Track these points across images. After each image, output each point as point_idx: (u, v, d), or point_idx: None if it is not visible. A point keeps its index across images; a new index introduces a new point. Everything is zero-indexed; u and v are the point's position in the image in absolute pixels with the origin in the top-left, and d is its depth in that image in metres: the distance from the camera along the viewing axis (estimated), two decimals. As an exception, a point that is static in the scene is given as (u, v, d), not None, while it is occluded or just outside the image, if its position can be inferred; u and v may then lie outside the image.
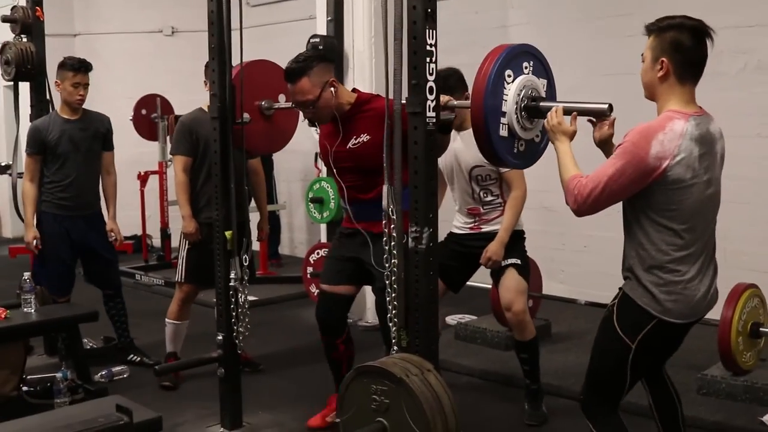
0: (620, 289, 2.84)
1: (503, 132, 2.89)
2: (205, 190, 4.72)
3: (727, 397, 4.24)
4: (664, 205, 2.64)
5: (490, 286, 5.01)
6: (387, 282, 2.99)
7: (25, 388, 4.43)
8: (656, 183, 2.61)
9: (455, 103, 3.20)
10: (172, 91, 8.53)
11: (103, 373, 4.88)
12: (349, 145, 3.64)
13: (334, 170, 3.75)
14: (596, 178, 2.65)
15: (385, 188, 2.98)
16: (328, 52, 5.99)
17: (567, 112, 2.86)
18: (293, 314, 6.64)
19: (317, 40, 6.06)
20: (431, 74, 2.80)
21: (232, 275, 3.85)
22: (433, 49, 2.80)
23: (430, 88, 2.80)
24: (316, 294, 6.15)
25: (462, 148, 4.07)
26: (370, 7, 5.98)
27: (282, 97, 3.98)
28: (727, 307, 4.13)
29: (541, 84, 3.02)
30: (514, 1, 7.06)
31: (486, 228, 4.19)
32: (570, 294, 6.00)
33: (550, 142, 2.94)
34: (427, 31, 2.77)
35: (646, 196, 2.65)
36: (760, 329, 4.25)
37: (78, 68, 4.94)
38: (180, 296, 4.86)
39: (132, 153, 8.62)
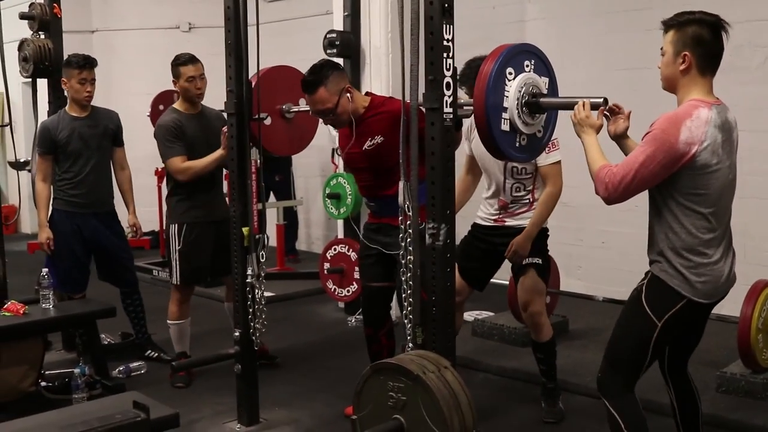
0: (648, 272, 2.93)
1: (505, 126, 2.95)
2: (192, 189, 4.74)
3: (747, 394, 4.21)
4: (692, 189, 2.75)
5: (507, 283, 5.00)
6: (403, 278, 2.99)
7: (43, 384, 4.46)
8: (685, 168, 2.71)
9: (461, 101, 3.20)
10: (189, 86, 8.52)
11: (121, 368, 4.89)
12: (365, 146, 3.71)
13: (351, 170, 3.80)
14: (627, 166, 2.75)
15: (401, 184, 2.98)
16: (344, 48, 6.00)
17: (564, 106, 2.99)
18: (310, 310, 6.64)
19: (334, 35, 6.06)
20: (448, 70, 2.79)
21: (249, 272, 3.85)
22: (450, 44, 2.78)
23: (447, 83, 2.79)
24: (333, 290, 6.20)
25: (475, 135, 4.05)
26: (387, 3, 5.96)
27: (302, 101, 4.04)
28: (747, 304, 4.09)
29: (543, 82, 3.07)
30: (532, -4, 7.02)
31: (510, 222, 4.13)
32: (588, 290, 5.97)
33: (576, 136, 3.00)
34: (445, 26, 2.75)
35: (675, 181, 2.75)
36: (781, 326, 4.21)
37: (83, 65, 4.93)
38: (177, 297, 4.85)
39: (149, 149, 8.58)
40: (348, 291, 6.17)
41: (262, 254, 3.86)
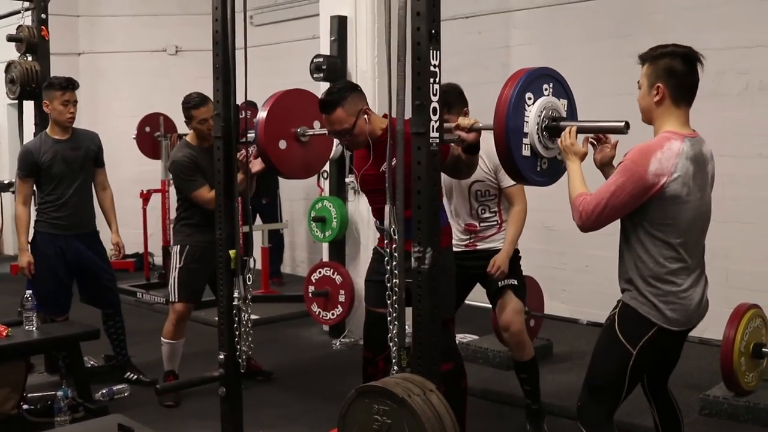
0: (619, 301, 2.98)
1: (526, 152, 2.98)
2: (200, 216, 4.83)
3: (729, 417, 4.23)
4: (661, 219, 2.81)
5: (490, 305, 5.01)
6: (388, 302, 3.00)
7: (25, 406, 4.43)
8: (654, 199, 2.78)
9: (480, 125, 3.23)
10: (175, 109, 8.43)
11: (104, 391, 4.86)
12: (381, 168, 3.67)
13: (365, 193, 3.85)
14: (599, 195, 2.82)
15: (386, 208, 2.99)
16: (331, 73, 6.03)
17: (585, 130, 3.02)
18: (294, 333, 6.64)
19: (321, 60, 6.09)
20: (435, 95, 2.80)
21: (236, 294, 3.84)
22: (437, 69, 2.80)
23: (434, 108, 2.80)
24: (317, 313, 6.19)
25: None
26: (374, 28, 6.01)
27: (317, 124, 4.07)
28: (729, 328, 4.12)
29: (562, 104, 3.11)
30: (517, 22, 7.09)
31: (481, 245, 4.22)
32: (571, 314, 6.00)
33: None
34: (431, 51, 2.77)
35: (645, 211, 2.82)
36: (763, 350, 4.24)
37: (66, 86, 4.92)
38: (173, 316, 4.88)
39: (134, 171, 8.65)
40: (332, 314, 6.17)
41: (249, 277, 3.85)
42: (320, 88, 6.31)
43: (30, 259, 4.95)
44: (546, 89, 3.05)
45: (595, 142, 3.09)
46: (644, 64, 2.95)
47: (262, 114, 3.94)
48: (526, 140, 2.96)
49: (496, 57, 7.19)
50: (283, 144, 3.99)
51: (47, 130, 5.04)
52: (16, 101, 5.64)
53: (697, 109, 6.17)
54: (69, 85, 4.94)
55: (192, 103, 4.81)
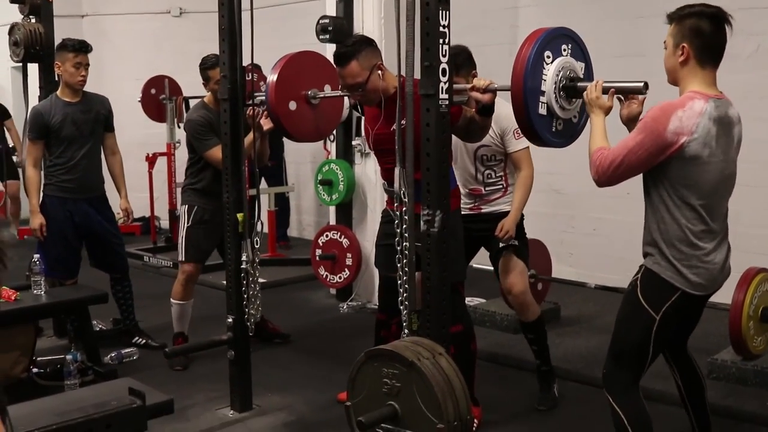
0: (641, 266, 2.94)
1: (542, 110, 2.95)
2: (209, 180, 4.85)
3: (737, 381, 4.24)
4: (682, 180, 2.77)
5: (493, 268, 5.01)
6: (398, 265, 2.99)
7: (35, 370, 4.44)
8: (674, 158, 2.74)
9: (496, 86, 3.20)
10: (180, 72, 8.49)
11: (113, 355, 4.89)
12: (393, 127, 3.62)
13: (376, 152, 3.82)
14: (617, 151, 2.80)
15: (396, 171, 2.97)
16: (337, 34, 5.98)
17: (605, 90, 2.96)
18: (301, 296, 6.65)
19: (326, 21, 6.02)
20: (444, 56, 2.78)
21: (243, 257, 3.84)
22: (447, 30, 2.78)
23: (443, 69, 2.78)
24: (324, 276, 6.19)
25: None
26: (381, -12, 5.94)
27: (328, 87, 4.03)
28: (738, 291, 4.10)
29: (579, 67, 3.08)
30: (525, -18, 7.01)
31: (486, 209, 4.21)
32: (579, 277, 5.98)
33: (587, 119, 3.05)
34: (441, 12, 2.74)
35: (665, 171, 2.78)
36: (772, 314, 4.23)
37: (79, 48, 4.89)
38: (182, 276, 4.91)
39: (140, 134, 8.62)
40: (340, 278, 6.18)
41: (257, 240, 3.85)
42: (327, 50, 6.27)
43: (42, 221, 4.95)
44: (565, 50, 3.02)
45: (622, 98, 3.04)
46: (671, 23, 2.89)
47: (272, 75, 3.89)
48: (543, 98, 2.94)
49: (504, 18, 7.11)
50: (293, 105, 3.95)
51: (57, 92, 5.02)
52: (20, 64, 5.59)
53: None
54: (82, 47, 4.91)
55: (209, 64, 4.78)
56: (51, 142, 4.96)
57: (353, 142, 6.25)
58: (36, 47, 5.33)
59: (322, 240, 6.24)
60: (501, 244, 4.11)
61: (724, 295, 4.12)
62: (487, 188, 4.19)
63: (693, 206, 2.80)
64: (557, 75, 2.95)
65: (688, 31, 2.82)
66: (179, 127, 8.17)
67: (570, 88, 2.98)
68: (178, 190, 8.19)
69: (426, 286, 2.89)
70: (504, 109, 3.77)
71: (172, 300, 4.95)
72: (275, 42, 8.40)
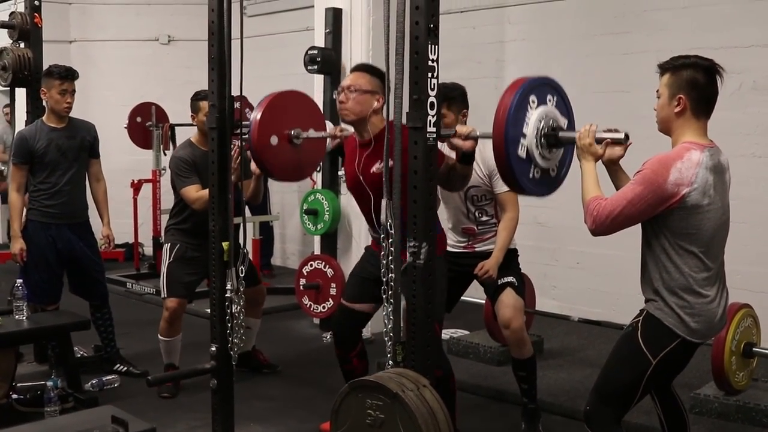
0: (643, 309, 2.97)
1: (521, 152, 2.93)
2: (194, 222, 4.87)
3: (720, 416, 4.25)
4: (684, 229, 2.81)
5: (483, 301, 5.02)
6: (384, 297, 2.99)
7: (14, 396, 4.41)
8: (675, 209, 2.78)
9: (478, 133, 3.22)
10: (167, 99, 8.52)
11: (94, 382, 4.84)
12: (373, 169, 3.68)
13: (355, 195, 3.86)
14: (615, 202, 2.83)
15: (383, 202, 2.99)
16: (325, 65, 6.02)
17: (597, 140, 2.99)
18: (285, 325, 6.63)
19: (315, 52, 6.07)
20: (432, 89, 2.80)
21: (228, 286, 3.82)
22: (435, 64, 2.80)
23: (431, 103, 2.80)
24: (308, 306, 6.18)
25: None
26: (369, 21, 5.99)
27: (311, 130, 4.07)
28: (720, 327, 4.13)
29: (563, 122, 3.08)
30: (511, 17, 7.09)
31: (480, 247, 4.26)
32: (562, 310, 6.01)
33: (571, 166, 3.09)
34: (430, 46, 2.77)
35: (667, 221, 2.82)
36: (753, 349, 4.26)
37: (65, 76, 4.89)
38: (166, 313, 4.85)
39: (125, 161, 8.61)
40: (323, 307, 6.15)
41: (242, 269, 3.84)
42: (315, 81, 6.31)
43: (22, 246, 4.92)
44: (550, 100, 3.03)
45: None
46: (664, 73, 2.93)
47: (257, 112, 3.92)
48: (523, 141, 2.92)
49: (491, 52, 7.18)
50: (274, 140, 3.97)
51: (43, 117, 5.01)
52: (8, 88, 5.59)
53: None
54: (68, 74, 4.91)
55: (201, 95, 4.79)
56: (35, 168, 4.94)
57: (339, 172, 6.26)
58: (24, 72, 5.34)
59: (306, 269, 6.23)
60: (499, 281, 4.13)
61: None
62: (479, 227, 4.23)
63: (695, 254, 2.83)
64: (540, 121, 2.94)
65: (684, 83, 2.86)
66: (165, 154, 8.18)
67: (551, 137, 2.98)
68: (163, 217, 8.15)
69: (411, 317, 2.89)
70: (491, 150, 3.81)
71: (159, 336, 4.91)
72: (263, 72, 8.48)
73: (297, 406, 4.66)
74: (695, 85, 2.86)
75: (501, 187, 4.05)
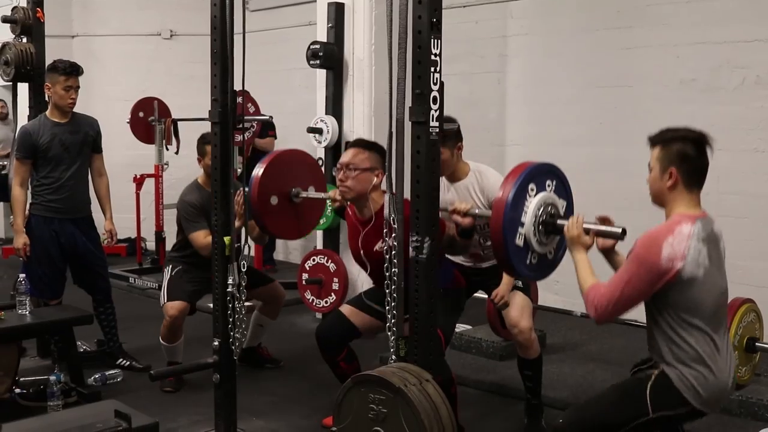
0: (656, 364, 2.92)
1: (519, 241, 2.98)
2: (188, 254, 4.91)
3: (722, 411, 4.24)
4: (684, 303, 2.79)
5: (485, 296, 5.01)
6: (387, 291, 3.00)
7: (17, 390, 4.41)
8: (673, 284, 2.77)
9: (476, 211, 3.34)
10: (169, 94, 8.51)
11: (97, 376, 4.85)
12: (376, 247, 3.75)
13: (359, 263, 3.96)
14: (613, 287, 2.82)
15: (386, 197, 2.99)
16: (327, 60, 6.01)
17: (585, 231, 3.02)
18: (287, 320, 6.62)
19: (317, 46, 6.07)
20: (435, 84, 2.80)
21: (230, 281, 3.83)
22: (438, 59, 2.80)
23: (434, 97, 2.80)
24: (310, 301, 6.18)
25: (456, 200, 4.13)
26: (371, 15, 5.98)
27: (312, 188, 4.14)
28: (723, 322, 4.13)
29: (561, 204, 3.13)
30: (514, 12, 7.07)
31: (485, 264, 4.32)
32: (565, 305, 6.00)
33: (567, 251, 3.10)
34: (433, 40, 2.77)
35: (668, 297, 2.80)
36: (756, 344, 4.25)
37: (70, 72, 4.90)
38: (167, 320, 4.83)
39: (127, 155, 8.61)
40: (326, 302, 6.15)
41: (243, 264, 3.85)
42: (317, 75, 6.31)
43: (26, 240, 4.93)
44: (549, 185, 3.07)
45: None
46: (655, 147, 2.95)
47: (257, 170, 4.00)
48: (521, 230, 2.98)
49: (493, 47, 7.18)
50: (274, 200, 4.07)
51: (47, 112, 5.02)
52: (11, 83, 5.59)
53: (694, 102, 6.17)
54: (73, 70, 4.91)
55: (208, 138, 4.74)
56: (38, 162, 4.94)
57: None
58: (27, 67, 5.34)
59: (308, 264, 6.23)
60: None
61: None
62: (485, 251, 4.25)
63: (700, 327, 2.81)
64: (539, 209, 2.99)
65: (675, 156, 2.87)
66: (167, 148, 8.18)
67: (549, 224, 3.03)
68: (166, 212, 8.21)
69: (414, 312, 2.89)
70: (490, 180, 3.99)
71: (160, 340, 4.91)
72: (265, 66, 8.47)
73: (299, 401, 4.67)
74: (686, 158, 2.86)
75: None
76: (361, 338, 4.10)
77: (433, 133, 2.82)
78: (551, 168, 3.12)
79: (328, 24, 6.16)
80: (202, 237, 4.69)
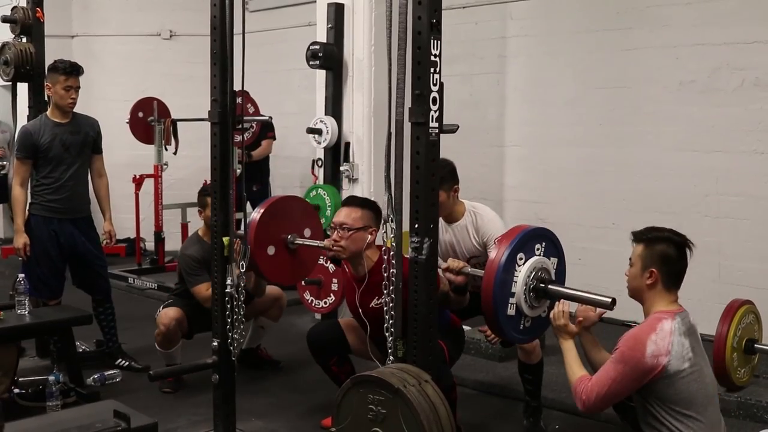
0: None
1: (511, 311, 3.05)
2: (190, 295, 4.91)
3: (722, 413, 4.23)
4: (673, 396, 2.88)
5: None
6: (385, 291, 3.00)
7: (16, 391, 4.42)
8: (660, 379, 2.86)
9: (469, 270, 3.39)
10: (169, 94, 8.51)
11: (96, 377, 4.85)
12: (372, 304, 3.78)
13: (356, 317, 3.98)
14: (601, 382, 2.92)
15: (385, 198, 2.99)
16: (327, 60, 6.01)
17: (572, 298, 3.10)
18: (287, 321, 6.59)
19: (317, 47, 6.07)
20: (435, 84, 2.80)
21: (228, 282, 3.83)
22: (438, 59, 2.80)
23: (434, 98, 2.80)
24: (310, 301, 6.18)
25: (455, 242, 4.24)
26: (371, 16, 5.99)
27: (307, 231, 4.18)
28: (722, 323, 4.11)
29: (552, 263, 3.18)
30: (514, 13, 7.08)
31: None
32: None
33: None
34: (432, 41, 2.77)
35: (656, 392, 2.89)
36: (755, 345, 4.24)
37: (70, 71, 4.90)
38: (162, 329, 4.83)
39: (127, 156, 8.60)
40: (325, 303, 6.14)
41: (242, 264, 3.85)
42: (317, 75, 6.31)
43: (26, 240, 4.93)
44: (538, 249, 3.12)
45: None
46: (639, 243, 3.03)
47: (255, 215, 4.06)
48: (512, 300, 3.03)
49: (492, 48, 7.18)
50: (271, 250, 4.12)
51: (47, 112, 5.03)
52: (10, 83, 5.59)
53: (693, 104, 6.17)
54: (73, 70, 4.92)
55: (209, 190, 4.74)
56: (38, 162, 4.95)
57: (341, 168, 6.27)
58: (26, 67, 5.34)
59: (308, 265, 6.22)
60: None
61: (707, 327, 4.15)
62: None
63: (692, 417, 2.88)
64: (528, 277, 3.05)
65: (657, 257, 2.97)
66: (167, 149, 8.18)
67: (540, 291, 3.09)
68: (165, 212, 8.20)
69: (413, 313, 2.89)
70: (485, 220, 4.09)
71: (156, 347, 4.91)
72: (264, 66, 8.47)
73: (298, 402, 4.67)
74: (667, 260, 2.97)
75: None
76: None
77: (433, 134, 2.82)
78: (539, 232, 3.18)
79: (327, 24, 6.16)
80: (204, 290, 4.70)
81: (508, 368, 4.52)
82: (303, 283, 6.18)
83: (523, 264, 3.05)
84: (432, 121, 2.81)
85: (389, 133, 2.94)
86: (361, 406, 2.72)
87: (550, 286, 3.10)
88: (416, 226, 2.85)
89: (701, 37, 5.81)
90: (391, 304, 3.00)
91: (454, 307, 3.65)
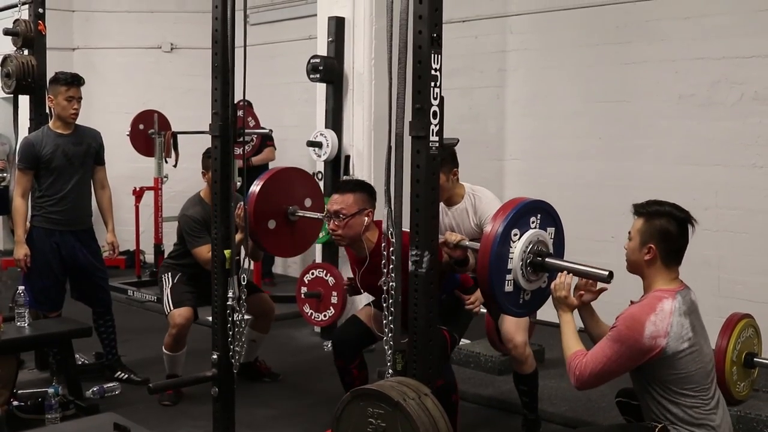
0: (664, 425, 2.92)
1: (509, 288, 3.00)
2: (188, 263, 4.93)
3: (721, 426, 4.24)
4: (672, 375, 2.84)
5: (484, 310, 5.02)
6: (384, 305, 3.00)
7: (15, 403, 4.41)
8: (658, 359, 2.81)
9: (467, 243, 3.35)
10: (169, 106, 8.53)
11: (95, 389, 4.84)
12: (379, 283, 3.72)
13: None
14: (596, 359, 2.87)
15: (384, 211, 3.00)
16: (328, 73, 6.02)
17: (569, 271, 3.03)
18: (286, 334, 6.62)
19: (317, 60, 6.09)
20: (435, 99, 2.81)
21: (230, 294, 3.83)
22: (438, 74, 2.81)
23: (434, 112, 2.81)
24: (309, 314, 6.17)
25: (455, 225, 4.22)
26: (371, 30, 6.01)
27: (308, 201, 4.17)
28: (721, 337, 4.13)
29: (549, 233, 3.12)
30: (513, 27, 7.10)
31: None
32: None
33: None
34: (433, 55, 2.78)
35: (655, 373, 2.86)
36: (755, 359, 4.25)
37: (71, 82, 4.92)
38: (174, 330, 4.80)
39: (127, 168, 8.62)
40: (325, 316, 6.12)
41: (243, 277, 3.85)
42: (317, 89, 6.33)
43: (26, 252, 4.93)
44: (533, 222, 3.06)
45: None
46: (639, 217, 2.96)
47: (255, 187, 4.03)
48: (509, 276, 2.99)
49: (493, 61, 7.20)
50: (272, 224, 4.14)
51: (50, 123, 5.04)
52: (11, 95, 5.60)
53: (692, 118, 6.18)
54: (74, 81, 4.94)
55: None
56: (40, 173, 4.95)
57: (342, 178, 6.28)
58: (28, 79, 5.34)
59: (307, 278, 6.20)
60: None
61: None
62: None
63: (691, 395, 2.86)
64: (524, 251, 3.00)
65: (656, 233, 2.90)
66: (167, 161, 8.19)
67: (538, 265, 3.04)
68: (165, 225, 8.20)
69: (413, 326, 2.89)
70: (483, 201, 4.06)
71: (164, 350, 4.89)
72: (265, 80, 8.49)
73: (298, 415, 4.66)
74: (666, 236, 2.89)
75: None
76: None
77: (433, 148, 2.83)
78: (534, 204, 3.09)
79: (328, 38, 6.18)
80: (205, 252, 4.67)
81: (507, 381, 4.51)
82: (303, 295, 6.18)
83: (518, 239, 2.99)
84: (432, 135, 2.82)
85: (389, 147, 2.95)
86: (361, 419, 2.72)
87: (547, 260, 3.04)
88: (416, 239, 2.85)
89: (700, 52, 5.83)
90: (390, 318, 3.00)
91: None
